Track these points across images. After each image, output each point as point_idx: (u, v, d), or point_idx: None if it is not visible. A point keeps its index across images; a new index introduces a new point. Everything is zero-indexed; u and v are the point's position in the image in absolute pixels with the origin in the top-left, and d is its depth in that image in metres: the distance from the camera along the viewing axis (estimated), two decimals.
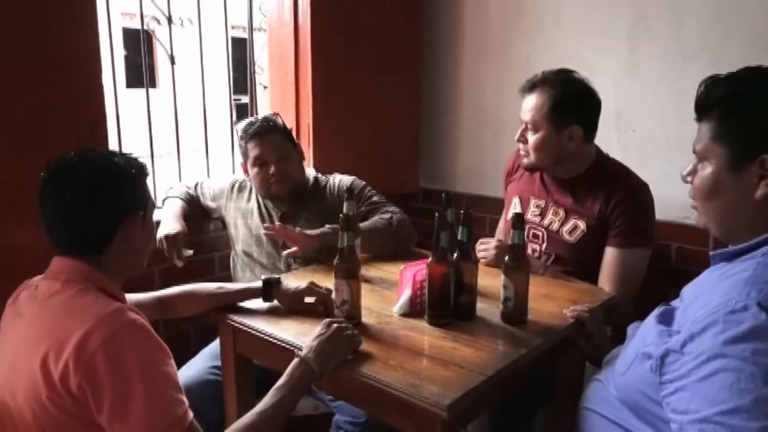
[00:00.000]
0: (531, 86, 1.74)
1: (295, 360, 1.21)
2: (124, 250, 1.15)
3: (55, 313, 1.05)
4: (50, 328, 1.03)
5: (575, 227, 1.75)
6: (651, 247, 1.71)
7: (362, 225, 1.81)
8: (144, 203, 1.19)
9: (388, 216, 1.89)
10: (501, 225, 2.08)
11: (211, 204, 2.07)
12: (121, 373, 0.98)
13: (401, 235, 1.89)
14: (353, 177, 2.04)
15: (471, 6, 2.65)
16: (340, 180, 2.01)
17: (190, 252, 1.81)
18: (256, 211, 1.97)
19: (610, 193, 1.70)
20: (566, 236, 1.76)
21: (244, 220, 1.98)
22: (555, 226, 1.78)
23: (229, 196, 2.04)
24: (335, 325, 1.27)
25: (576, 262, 1.75)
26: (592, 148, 1.79)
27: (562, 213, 1.78)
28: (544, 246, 1.81)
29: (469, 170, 2.77)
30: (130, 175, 1.16)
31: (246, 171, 1.97)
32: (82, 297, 1.06)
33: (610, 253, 1.69)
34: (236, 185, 2.05)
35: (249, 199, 2.01)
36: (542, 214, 1.82)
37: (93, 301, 1.06)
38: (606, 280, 1.68)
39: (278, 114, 2.00)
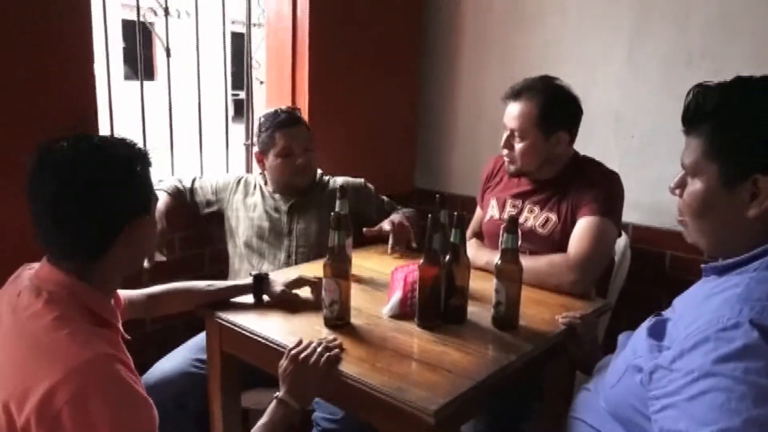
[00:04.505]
0: (516, 93, 1.73)
1: (274, 402, 1.19)
2: (125, 255, 1.05)
3: (26, 346, 0.95)
4: (19, 366, 0.94)
5: (547, 220, 1.75)
6: (617, 228, 1.70)
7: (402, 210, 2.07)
8: (150, 201, 1.08)
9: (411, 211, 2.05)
10: (470, 232, 2.02)
11: (212, 197, 2.08)
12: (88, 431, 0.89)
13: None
14: (362, 179, 2.10)
15: (472, 2, 2.63)
16: (348, 181, 2.06)
17: (164, 258, 1.71)
18: (260, 203, 2.01)
19: (582, 182, 1.71)
20: (539, 230, 1.76)
21: (247, 212, 2.01)
22: (530, 223, 1.78)
23: (233, 189, 2.08)
24: (302, 355, 1.21)
25: (548, 253, 1.72)
26: (571, 149, 1.80)
27: (536, 210, 1.79)
28: (520, 244, 1.79)
29: (464, 171, 2.76)
30: (136, 169, 1.03)
31: (261, 161, 2.00)
32: (60, 330, 0.94)
33: (579, 223, 1.67)
34: (242, 180, 2.10)
35: (253, 194, 2.05)
36: (519, 214, 1.82)
37: (69, 339, 0.93)
38: (575, 242, 1.64)
39: (299, 108, 2.08)
